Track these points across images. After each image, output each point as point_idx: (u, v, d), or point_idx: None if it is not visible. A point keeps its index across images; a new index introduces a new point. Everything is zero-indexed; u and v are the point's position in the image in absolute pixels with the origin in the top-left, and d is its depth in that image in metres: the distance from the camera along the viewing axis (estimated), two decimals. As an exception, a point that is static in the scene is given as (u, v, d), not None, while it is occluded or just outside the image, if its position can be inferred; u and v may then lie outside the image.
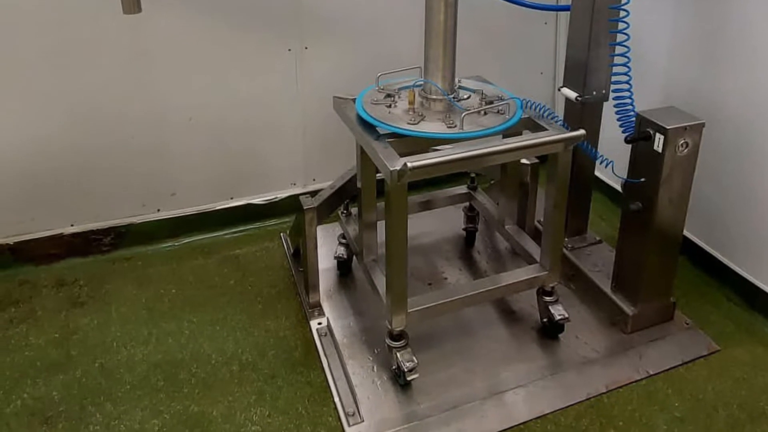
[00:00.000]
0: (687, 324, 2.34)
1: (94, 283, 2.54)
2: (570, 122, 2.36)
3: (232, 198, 2.85)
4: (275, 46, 2.70)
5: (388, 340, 2.04)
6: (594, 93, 2.30)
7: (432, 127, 1.94)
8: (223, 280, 2.57)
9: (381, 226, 2.04)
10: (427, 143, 1.99)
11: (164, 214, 2.77)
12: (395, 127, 1.92)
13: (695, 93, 2.50)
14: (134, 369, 2.14)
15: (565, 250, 2.56)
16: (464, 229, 2.75)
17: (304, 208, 2.23)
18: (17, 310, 2.40)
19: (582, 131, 1.92)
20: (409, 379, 2.00)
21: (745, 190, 2.38)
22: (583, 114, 2.35)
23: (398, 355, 2.01)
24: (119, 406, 2.00)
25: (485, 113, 2.02)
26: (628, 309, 2.28)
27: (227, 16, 2.58)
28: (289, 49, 2.70)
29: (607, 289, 2.37)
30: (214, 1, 2.55)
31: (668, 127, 1.99)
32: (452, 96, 2.06)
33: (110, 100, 2.55)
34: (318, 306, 2.38)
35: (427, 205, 2.61)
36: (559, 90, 2.41)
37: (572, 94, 2.33)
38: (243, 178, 2.85)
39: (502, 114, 2.01)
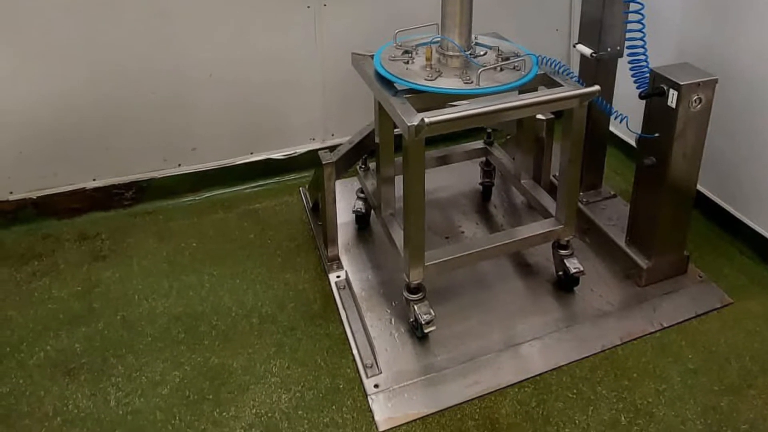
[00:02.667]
0: (700, 277, 2.28)
1: (116, 237, 2.51)
2: (585, 78, 2.27)
3: (251, 153, 2.78)
4: (295, 2, 2.60)
5: (405, 293, 1.99)
6: (609, 49, 2.21)
7: (449, 83, 1.85)
8: (242, 234, 2.52)
9: (399, 180, 1.98)
10: (443, 99, 1.89)
11: (185, 169, 2.71)
12: (412, 83, 1.83)
13: (709, 49, 2.38)
14: (155, 321, 2.12)
15: (580, 204, 2.48)
16: (480, 184, 2.68)
17: (323, 162, 2.16)
18: (40, 264, 2.37)
19: (597, 87, 1.83)
20: (426, 331, 1.96)
21: (759, 144, 2.29)
22: (598, 70, 2.26)
23: (415, 307, 1.97)
24: (141, 358, 1.99)
25: (501, 69, 1.91)
26: (642, 262, 2.22)
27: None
28: (309, 6, 2.60)
29: (622, 243, 2.31)
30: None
31: (682, 83, 1.91)
32: (469, 52, 1.95)
33: (132, 55, 2.48)
34: (336, 259, 2.33)
35: (444, 160, 2.53)
36: (574, 47, 2.30)
37: (587, 51, 2.23)
38: (263, 134, 2.78)
39: (518, 70, 1.91)
